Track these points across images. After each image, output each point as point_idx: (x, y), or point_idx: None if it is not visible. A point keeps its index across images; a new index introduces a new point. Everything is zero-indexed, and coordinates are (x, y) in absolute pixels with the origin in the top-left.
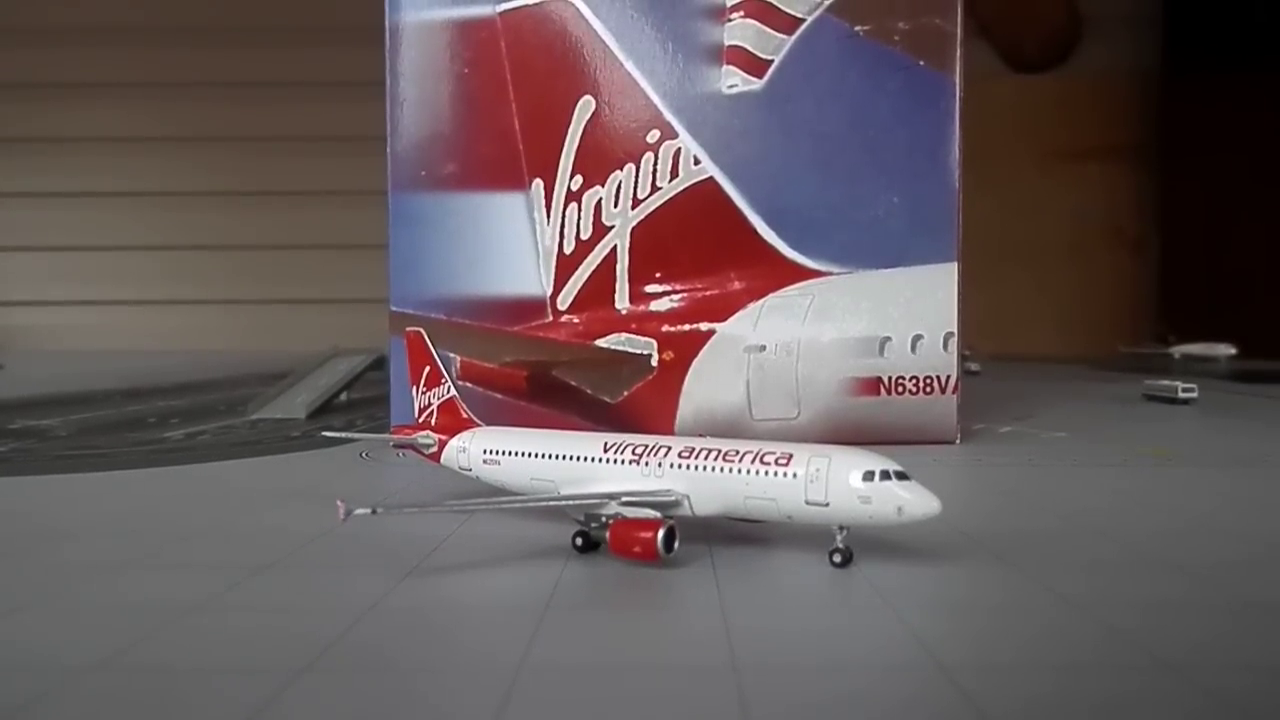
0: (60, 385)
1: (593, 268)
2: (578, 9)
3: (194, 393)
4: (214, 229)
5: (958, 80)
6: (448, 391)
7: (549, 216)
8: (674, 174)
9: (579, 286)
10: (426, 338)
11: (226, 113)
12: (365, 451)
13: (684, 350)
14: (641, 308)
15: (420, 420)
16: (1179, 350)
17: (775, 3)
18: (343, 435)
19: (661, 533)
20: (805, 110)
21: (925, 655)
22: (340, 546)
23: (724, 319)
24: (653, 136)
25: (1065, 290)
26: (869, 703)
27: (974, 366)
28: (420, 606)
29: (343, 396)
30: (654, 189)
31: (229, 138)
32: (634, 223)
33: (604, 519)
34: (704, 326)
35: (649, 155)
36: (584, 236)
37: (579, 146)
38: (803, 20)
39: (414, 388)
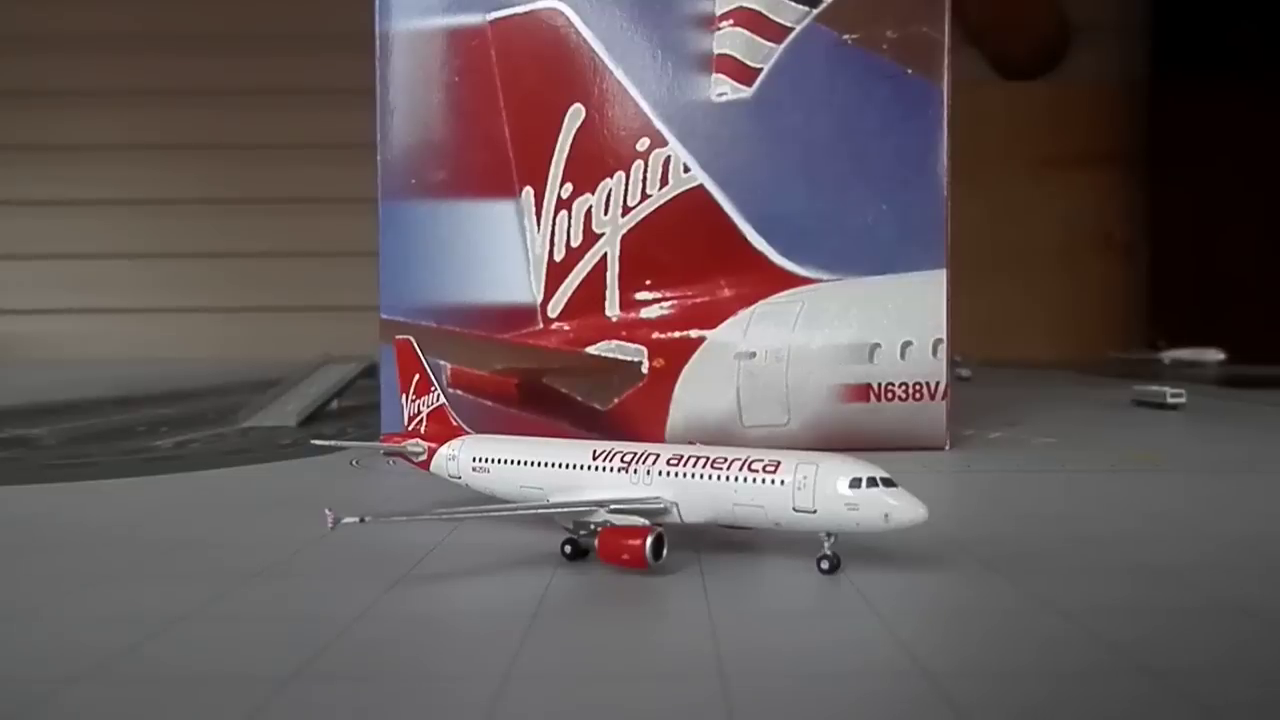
0: (48, 393)
1: (583, 275)
2: (568, 18)
3: (184, 401)
4: (203, 236)
5: (945, 88)
6: (437, 399)
7: (539, 224)
8: (664, 182)
9: (569, 294)
10: (416, 345)
11: (216, 120)
12: (356, 459)
13: (674, 357)
14: (632, 315)
15: (410, 428)
16: (1168, 355)
17: (764, 11)
18: (333, 444)
19: (650, 540)
20: (794, 118)
21: (911, 662)
22: (329, 555)
23: (714, 326)
24: (643, 144)
25: (1055, 296)
26: (855, 709)
27: (964, 372)
28: (409, 614)
29: (333, 404)
30: (644, 197)
31: (218, 145)
32: (624, 230)
33: (593, 526)
34: (694, 333)
35: (639, 163)
36: (574, 244)
37: (569, 154)
38: (792, 29)
39: (404, 396)
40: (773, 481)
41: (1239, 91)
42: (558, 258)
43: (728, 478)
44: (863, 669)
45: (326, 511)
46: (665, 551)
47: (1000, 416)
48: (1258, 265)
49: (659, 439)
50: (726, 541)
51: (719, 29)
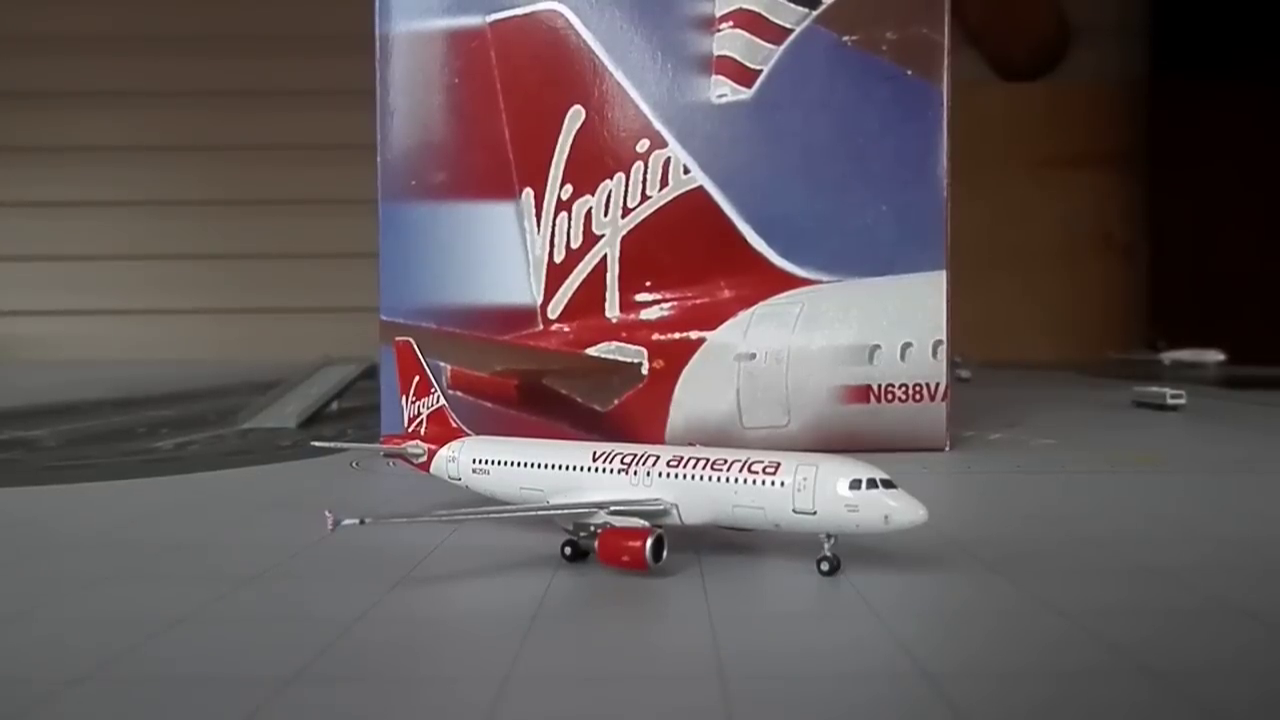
0: (48, 395)
1: (583, 276)
2: (568, 19)
3: (184, 402)
4: (203, 237)
5: (945, 89)
6: (437, 401)
7: (539, 225)
8: (664, 183)
9: (569, 295)
10: (416, 347)
11: (216, 121)
12: (356, 461)
13: (674, 359)
14: (632, 316)
15: (410, 429)
16: (1168, 356)
17: (764, 13)
18: (333, 445)
19: (650, 542)
20: (794, 119)
21: (911, 663)
22: (328, 557)
23: (714, 327)
24: (642, 146)
25: (1055, 296)
26: (855, 711)
27: (965, 373)
28: (408, 616)
29: (333, 406)
30: (644, 198)
31: (218, 146)
32: (624, 231)
33: (593, 528)
34: (694, 335)
35: (639, 164)
36: (574, 245)
37: (569, 156)
38: (791, 30)
39: (403, 397)
40: (773, 483)
41: (1238, 92)
42: (558, 259)
43: (728, 479)
44: (863, 670)
45: (326, 513)
46: (665, 553)
47: (1000, 417)
48: (1257, 265)
49: (659, 440)
50: (726, 543)
51: (719, 30)
